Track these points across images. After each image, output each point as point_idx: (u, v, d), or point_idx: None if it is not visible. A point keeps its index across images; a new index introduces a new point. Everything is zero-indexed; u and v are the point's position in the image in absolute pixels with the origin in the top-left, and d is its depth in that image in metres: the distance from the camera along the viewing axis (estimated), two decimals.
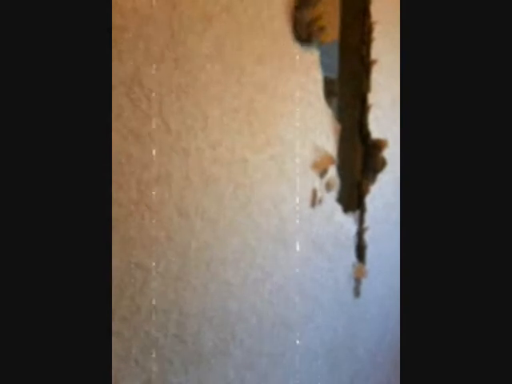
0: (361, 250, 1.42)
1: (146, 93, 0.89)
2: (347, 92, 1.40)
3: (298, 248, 1.23)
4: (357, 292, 1.43)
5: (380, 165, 1.41)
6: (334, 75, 1.43)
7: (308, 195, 1.24)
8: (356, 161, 1.42)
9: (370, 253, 1.43)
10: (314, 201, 1.26)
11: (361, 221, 1.41)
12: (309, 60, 1.17)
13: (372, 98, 1.37)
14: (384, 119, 1.42)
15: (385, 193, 1.45)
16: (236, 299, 1.09)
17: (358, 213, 1.40)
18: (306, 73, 1.17)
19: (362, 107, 1.39)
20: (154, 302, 0.94)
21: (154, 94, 0.90)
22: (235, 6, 1.00)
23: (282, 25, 1.10)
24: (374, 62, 1.36)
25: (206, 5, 0.95)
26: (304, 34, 1.13)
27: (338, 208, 1.33)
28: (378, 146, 1.39)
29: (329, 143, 1.27)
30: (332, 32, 1.43)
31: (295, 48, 1.13)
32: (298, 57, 1.14)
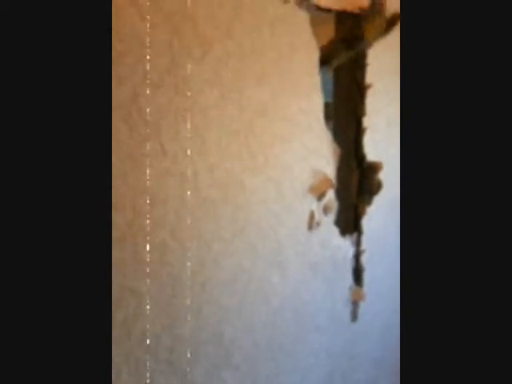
0: (358, 273, 1.41)
1: (143, 116, 0.90)
2: (342, 115, 1.41)
3: (294, 271, 1.22)
4: (354, 316, 1.41)
5: (376, 187, 1.41)
6: (329, 99, 1.44)
7: (305, 218, 1.24)
8: (352, 183, 1.42)
9: (367, 275, 1.42)
10: (311, 224, 1.25)
11: (358, 243, 1.40)
12: (309, 83, 1.19)
13: (367, 121, 1.39)
14: (379, 142, 1.43)
15: (381, 215, 1.45)
16: (231, 323, 1.07)
17: (355, 235, 1.40)
18: (306, 96, 1.18)
19: (357, 130, 1.40)
20: (146, 327, 0.93)
21: (151, 118, 0.91)
22: (236, 30, 1.01)
23: (282, 48, 1.11)
24: (369, 86, 1.38)
25: (206, 29, 0.96)
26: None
27: (336, 231, 1.33)
28: (374, 168, 1.40)
29: (328, 167, 1.28)
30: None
31: (296, 71, 1.15)
32: (298, 80, 1.16)
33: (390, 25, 1.32)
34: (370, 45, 1.32)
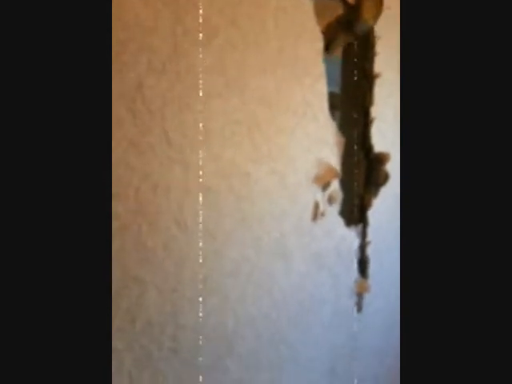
0: (363, 265, 1.40)
1: (147, 104, 0.90)
2: (350, 106, 1.40)
3: (298, 262, 1.22)
4: (359, 307, 1.41)
5: (382, 178, 1.40)
6: (336, 89, 1.43)
7: (310, 209, 1.23)
8: (358, 174, 1.41)
9: (372, 267, 1.41)
10: (316, 214, 1.25)
11: (363, 235, 1.39)
12: (314, 73, 1.18)
13: (375, 111, 1.37)
14: (387, 133, 1.41)
15: (387, 206, 1.43)
16: (234, 314, 1.08)
17: (360, 226, 1.39)
18: (310, 86, 1.17)
19: (365, 121, 1.38)
20: (149, 315, 0.93)
21: (155, 106, 0.91)
22: (240, 19, 1.00)
23: (287, 38, 1.10)
24: (377, 75, 1.36)
25: (210, 17, 0.95)
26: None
27: (340, 222, 1.32)
28: (381, 159, 1.38)
29: (332, 156, 1.27)
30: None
31: (300, 61, 1.14)
32: (302, 70, 1.15)
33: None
34: (369, 26, 1.30)
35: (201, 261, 1.01)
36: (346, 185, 1.34)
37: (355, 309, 1.40)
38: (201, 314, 1.02)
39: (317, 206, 1.24)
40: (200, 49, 0.94)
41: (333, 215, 1.29)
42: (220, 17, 0.96)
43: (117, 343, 0.88)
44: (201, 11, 0.93)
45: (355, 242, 1.37)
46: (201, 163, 0.98)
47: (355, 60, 1.35)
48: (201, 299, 1.01)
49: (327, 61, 1.24)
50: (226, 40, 0.98)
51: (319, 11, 1.18)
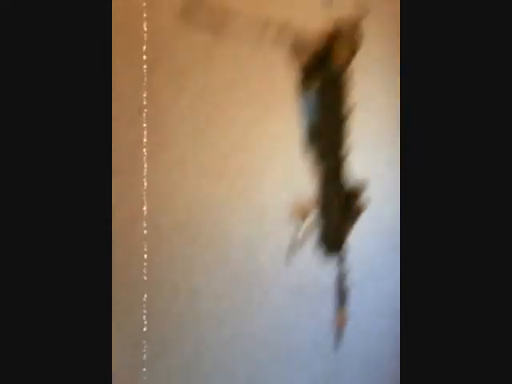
0: (342, 295, 1.40)
1: (126, 147, 0.90)
2: (328, 136, 1.40)
3: (275, 294, 1.21)
4: (339, 337, 1.40)
5: (357, 211, 1.40)
6: (315, 120, 1.44)
7: (287, 240, 1.23)
8: (336, 204, 1.41)
9: (351, 297, 1.41)
10: (294, 245, 1.25)
11: (342, 265, 1.39)
12: (290, 106, 1.19)
13: (353, 140, 1.38)
14: (367, 160, 1.43)
15: (367, 236, 1.44)
16: (210, 351, 1.07)
17: (338, 257, 1.39)
18: (287, 118, 1.18)
19: (343, 151, 1.39)
20: (115, 366, 0.92)
21: (129, 150, 0.91)
22: (216, 60, 1.01)
23: (264, 74, 1.11)
24: (355, 105, 1.37)
25: (183, 63, 0.96)
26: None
27: (318, 253, 1.32)
28: (355, 193, 1.38)
29: (309, 189, 1.27)
30: None
31: (277, 95, 1.15)
32: (279, 103, 1.16)
33: (353, 51, 1.31)
34: (341, 67, 1.32)
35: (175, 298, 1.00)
36: (324, 214, 1.34)
37: (335, 338, 1.40)
38: (176, 352, 1.01)
39: (294, 237, 1.24)
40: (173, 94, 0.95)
41: (310, 246, 1.29)
42: (195, 60, 0.97)
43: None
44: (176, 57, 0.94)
45: (333, 272, 1.37)
46: (175, 198, 0.98)
47: (331, 93, 1.36)
48: (176, 338, 1.01)
49: (304, 94, 1.25)
50: (203, 83, 0.99)
51: (299, 48, 1.19)
